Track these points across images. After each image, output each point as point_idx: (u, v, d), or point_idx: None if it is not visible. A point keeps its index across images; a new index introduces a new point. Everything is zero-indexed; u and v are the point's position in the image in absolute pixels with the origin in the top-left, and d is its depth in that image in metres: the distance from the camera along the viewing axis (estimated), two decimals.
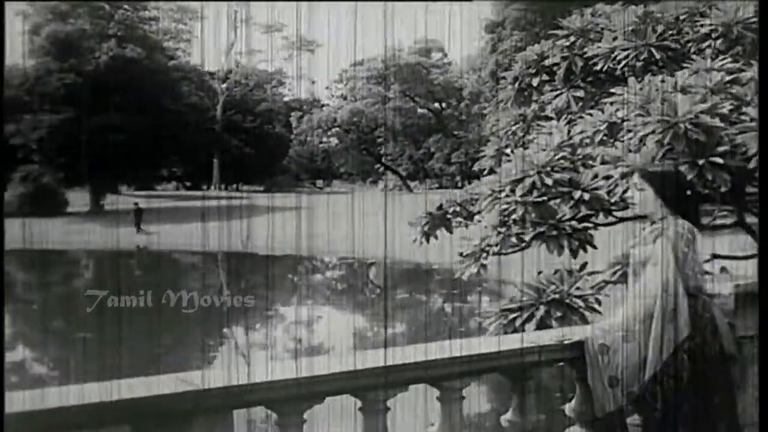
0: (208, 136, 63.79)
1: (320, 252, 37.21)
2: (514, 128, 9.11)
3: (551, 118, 8.26)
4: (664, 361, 4.28)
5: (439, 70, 67.21)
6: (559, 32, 8.95)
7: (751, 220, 7.07)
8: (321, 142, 71.80)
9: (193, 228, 39.03)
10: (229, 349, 17.26)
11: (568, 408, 4.78)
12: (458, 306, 21.51)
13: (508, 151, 8.33)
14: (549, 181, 6.47)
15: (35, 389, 3.27)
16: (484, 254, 7.20)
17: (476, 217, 8.32)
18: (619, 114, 6.85)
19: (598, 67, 8.33)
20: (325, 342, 17.12)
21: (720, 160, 5.97)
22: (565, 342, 4.60)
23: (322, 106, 72.67)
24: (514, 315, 6.87)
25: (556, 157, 6.67)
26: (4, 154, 46.39)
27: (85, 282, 31.18)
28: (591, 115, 7.17)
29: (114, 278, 29.00)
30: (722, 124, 6.14)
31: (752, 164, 5.76)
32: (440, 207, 8.96)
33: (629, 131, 6.53)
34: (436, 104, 68.34)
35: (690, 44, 8.07)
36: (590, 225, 6.76)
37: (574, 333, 4.69)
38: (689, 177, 5.85)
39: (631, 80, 6.99)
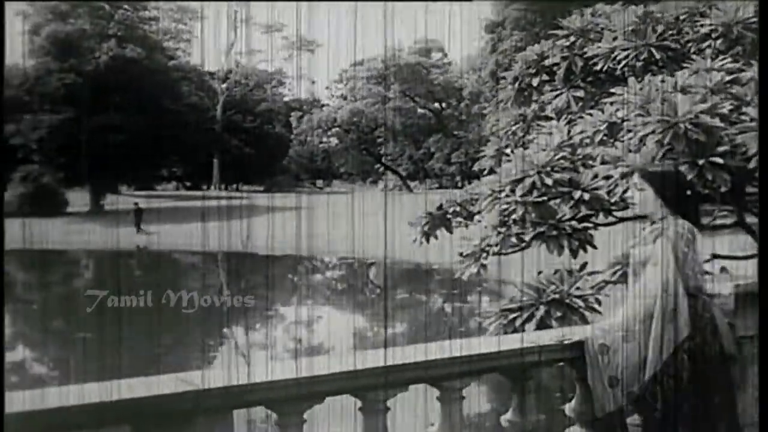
0: (208, 136, 63.80)
1: (320, 252, 37.22)
2: (514, 128, 9.11)
3: (551, 118, 8.26)
4: (664, 361, 4.28)
5: (439, 70, 67.22)
6: (559, 32, 8.95)
7: (751, 220, 7.07)
8: (321, 142, 71.83)
9: (193, 228, 39.05)
10: (229, 349, 17.26)
11: (568, 408, 4.78)
12: (458, 306, 21.51)
13: (508, 151, 8.33)
14: (549, 181, 6.47)
15: (36, 389, 3.27)
16: (484, 254, 7.20)
17: (476, 217, 8.33)
18: (619, 114, 6.85)
19: (598, 67, 8.33)
20: (325, 342, 17.12)
21: (720, 160, 5.97)
22: (565, 342, 4.60)
23: (322, 106, 72.70)
24: (514, 315, 6.87)
25: (556, 157, 6.67)
26: (5, 154, 46.44)
27: (85, 282, 31.19)
28: (591, 115, 7.17)
29: (114, 278, 29.00)
30: (722, 124, 6.14)
31: (752, 164, 5.76)
32: (440, 207, 8.96)
33: (629, 131, 6.53)
34: (436, 104, 68.35)
35: (690, 44, 8.07)
36: (590, 225, 6.76)
37: (574, 333, 4.69)
38: (689, 177, 5.85)
39: (631, 80, 6.99)
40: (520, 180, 6.61)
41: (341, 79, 72.18)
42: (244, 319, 19.17)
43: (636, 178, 4.68)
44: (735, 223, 7.49)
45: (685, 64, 7.26)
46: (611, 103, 7.07)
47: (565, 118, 7.87)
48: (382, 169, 73.48)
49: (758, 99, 5.48)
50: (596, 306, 6.79)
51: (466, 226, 8.72)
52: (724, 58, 7.17)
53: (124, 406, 3.32)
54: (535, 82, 9.08)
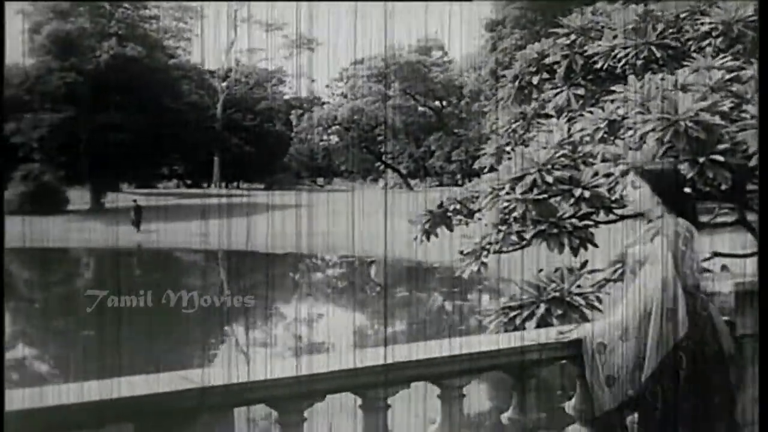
0: (208, 134, 63.84)
1: (321, 250, 37.23)
2: (514, 126, 9.11)
3: (551, 116, 8.26)
4: (662, 360, 4.28)
5: (440, 69, 67.19)
6: (560, 30, 8.95)
7: (752, 217, 7.08)
8: (321, 140, 71.86)
9: (193, 226, 39.08)
10: (230, 347, 17.27)
11: (569, 406, 4.79)
12: (458, 304, 21.51)
13: (508, 149, 8.34)
14: (549, 179, 6.48)
15: (36, 387, 3.27)
16: (485, 252, 7.20)
17: (477, 215, 8.33)
18: (620, 112, 6.85)
19: (598, 66, 8.33)
20: (325, 340, 17.13)
21: (721, 158, 5.98)
22: (563, 336, 4.60)
23: (323, 104, 72.70)
24: (514, 313, 6.87)
25: (557, 155, 6.67)
26: (5, 153, 46.46)
27: (86, 281, 31.19)
28: (591, 113, 7.17)
29: (114, 277, 29.01)
30: (723, 122, 6.14)
31: (753, 162, 5.77)
32: (441, 205, 8.96)
33: (630, 129, 6.53)
34: (437, 102, 68.33)
35: (690, 42, 8.07)
36: (591, 223, 6.76)
37: (575, 331, 4.68)
38: (690, 175, 5.86)
39: (632, 78, 6.99)
40: (521, 178, 6.62)
41: (341, 77, 72.19)
42: (244, 318, 19.18)
43: (632, 175, 4.67)
44: (736, 221, 7.50)
45: (685, 62, 7.27)
46: (612, 101, 7.07)
47: (566, 116, 7.88)
48: (382, 167, 73.48)
49: (758, 97, 5.48)
50: (597, 304, 6.79)
51: (467, 224, 8.73)
52: (725, 56, 7.18)
53: (126, 404, 3.32)
54: (535, 80, 9.08)
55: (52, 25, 54.03)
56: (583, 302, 6.77)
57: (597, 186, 6.41)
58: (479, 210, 7.81)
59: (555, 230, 6.55)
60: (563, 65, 8.69)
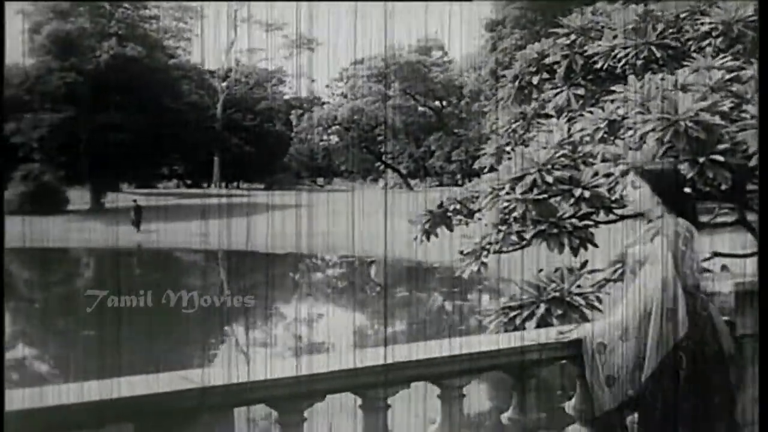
0: (208, 134, 63.85)
1: (321, 250, 37.22)
2: (514, 126, 9.11)
3: (551, 116, 8.26)
4: (662, 360, 4.28)
5: (440, 69, 67.18)
6: (560, 30, 8.95)
7: (752, 217, 7.08)
8: (321, 140, 71.85)
9: (193, 226, 39.08)
10: (230, 347, 17.27)
11: (569, 406, 4.79)
12: (459, 304, 21.51)
13: (508, 149, 8.34)
14: (549, 179, 6.48)
15: (37, 387, 3.27)
16: (485, 252, 7.20)
17: (477, 215, 8.33)
18: (620, 112, 6.86)
19: (598, 66, 8.34)
20: (326, 340, 17.13)
21: (721, 158, 5.98)
22: (563, 336, 4.60)
23: (323, 104, 72.70)
24: (514, 313, 6.87)
25: (557, 155, 6.67)
26: (5, 153, 46.47)
27: (86, 280, 31.19)
28: (591, 112, 7.17)
29: (114, 277, 29.01)
30: (723, 122, 6.14)
31: (753, 162, 5.77)
32: (441, 205, 8.96)
33: (630, 129, 6.53)
34: (437, 102, 68.31)
35: (690, 42, 8.07)
36: (591, 223, 6.76)
37: (575, 331, 4.68)
38: (690, 175, 5.86)
39: (632, 78, 6.99)
40: (521, 178, 6.62)
41: (341, 77, 72.19)
42: (244, 318, 19.18)
43: (632, 175, 4.67)
44: (736, 221, 7.50)
45: (685, 62, 7.27)
46: (612, 101, 7.07)
47: (566, 116, 7.88)
48: (382, 167, 73.47)
49: (758, 97, 5.49)
50: (597, 304, 6.79)
51: (467, 224, 8.73)
52: (725, 56, 7.18)
53: (126, 404, 3.32)
54: (535, 80, 9.09)
55: (52, 25, 54.04)
56: (583, 302, 6.77)
57: (597, 186, 6.41)
58: (479, 210, 7.81)
59: (555, 230, 6.55)
60: (563, 65, 8.69)
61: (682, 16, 8.31)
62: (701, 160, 5.96)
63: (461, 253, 7.44)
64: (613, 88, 7.28)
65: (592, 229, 6.78)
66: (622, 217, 6.74)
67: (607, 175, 6.36)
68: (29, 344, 18.77)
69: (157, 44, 62.21)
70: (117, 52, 54.11)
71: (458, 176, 62.98)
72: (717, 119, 6.09)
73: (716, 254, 7.24)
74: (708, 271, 6.33)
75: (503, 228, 6.93)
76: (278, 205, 42.68)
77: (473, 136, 54.85)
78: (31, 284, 29.61)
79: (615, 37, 8.28)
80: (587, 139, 6.90)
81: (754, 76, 6.47)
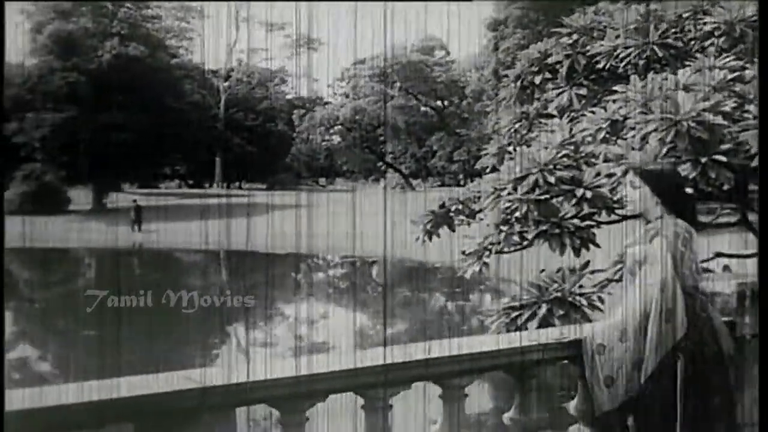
0: (210, 134, 63.91)
1: (322, 250, 37.22)
2: (516, 126, 9.11)
3: (554, 116, 8.26)
4: (661, 361, 4.27)
5: (442, 68, 67.11)
6: (562, 30, 8.95)
7: (754, 218, 7.06)
8: (323, 140, 71.80)
9: (195, 226, 39.07)
10: (231, 347, 17.27)
11: (571, 406, 4.78)
12: (460, 304, 21.51)
13: (510, 149, 8.34)
14: (551, 179, 6.47)
15: (38, 387, 3.26)
16: (487, 252, 7.21)
17: (479, 216, 8.33)
18: (622, 112, 6.85)
19: (600, 65, 8.34)
20: (327, 340, 17.13)
21: (723, 158, 5.97)
22: (564, 340, 4.59)
23: (325, 104, 72.66)
24: (516, 313, 6.87)
25: (559, 155, 6.67)
26: (7, 153, 46.52)
27: (87, 280, 31.21)
28: (593, 112, 7.17)
29: (115, 277, 29.02)
30: (725, 122, 6.14)
31: (755, 162, 5.75)
32: (443, 205, 8.97)
33: (632, 129, 6.53)
34: (439, 102, 68.25)
35: (693, 42, 8.07)
36: (593, 223, 6.76)
37: (574, 332, 4.68)
38: (692, 175, 5.86)
39: (634, 78, 6.99)
40: (523, 178, 6.61)
41: (343, 77, 72.17)
42: (246, 318, 19.18)
43: (631, 176, 4.65)
44: (738, 221, 7.50)
45: (687, 62, 7.27)
46: (614, 101, 7.07)
47: (568, 116, 7.88)
48: (384, 167, 73.43)
49: (759, 97, 5.47)
50: (599, 304, 6.79)
51: (469, 224, 8.73)
52: (727, 56, 7.17)
53: (127, 404, 3.32)
54: (537, 80, 9.09)
55: (54, 25, 54.06)
56: (585, 302, 6.77)
57: (599, 186, 6.41)
58: (481, 210, 7.81)
59: (557, 230, 6.55)
60: (565, 65, 8.69)
61: (684, 15, 8.31)
62: (703, 160, 5.96)
63: (463, 253, 7.44)
64: (615, 88, 7.28)
65: (594, 230, 6.78)
66: (624, 218, 6.73)
67: (609, 176, 6.35)
68: (31, 344, 18.78)
69: (160, 44, 62.19)
70: (119, 51, 54.12)
71: (460, 176, 62.94)
72: (719, 119, 6.09)
73: (718, 254, 7.24)
74: (709, 271, 6.33)
75: (505, 228, 6.93)
76: (280, 205, 42.63)
77: (475, 136, 54.83)
78: (33, 284, 29.61)
79: (617, 36, 8.28)
80: (589, 139, 6.90)
81: (757, 75, 6.46)
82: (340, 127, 66.60)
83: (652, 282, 4.30)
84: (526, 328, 6.55)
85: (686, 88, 6.51)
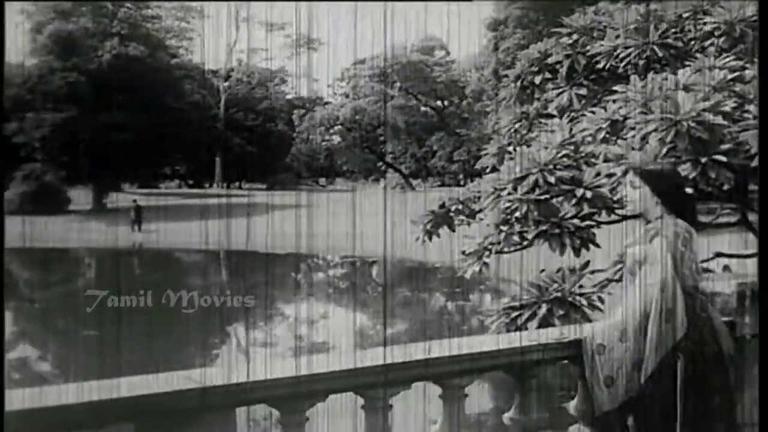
0: (210, 134, 63.92)
1: (322, 250, 37.21)
2: (516, 126, 9.11)
3: (554, 116, 8.26)
4: (661, 361, 4.27)
5: (442, 68, 67.10)
6: (562, 30, 8.95)
7: (754, 218, 7.06)
8: (323, 140, 71.79)
9: (195, 226, 39.07)
10: (232, 347, 17.27)
11: (571, 406, 4.78)
12: (460, 304, 21.51)
13: (510, 149, 8.34)
14: (551, 179, 6.47)
15: (37, 387, 3.26)
16: (487, 252, 7.20)
17: (478, 216, 8.33)
18: (622, 112, 6.85)
19: (600, 65, 8.34)
20: (327, 340, 17.13)
21: (723, 158, 5.97)
22: (564, 340, 4.59)
23: (325, 104, 72.65)
24: (516, 313, 6.87)
25: (559, 155, 6.67)
26: (7, 153, 46.52)
27: (87, 280, 31.20)
28: (593, 112, 7.17)
29: (116, 277, 29.02)
30: (725, 122, 6.14)
31: (755, 162, 5.75)
32: (443, 205, 8.97)
33: (632, 129, 6.53)
34: (439, 102, 68.23)
35: (693, 42, 8.07)
36: (593, 223, 6.76)
37: (573, 332, 4.68)
38: (692, 175, 5.86)
39: (634, 78, 6.99)
40: (523, 178, 6.61)
41: (343, 77, 72.16)
42: (247, 318, 19.18)
43: (631, 176, 4.65)
44: (738, 221, 7.50)
45: (687, 62, 7.27)
46: (614, 101, 7.07)
47: (568, 116, 7.88)
48: (384, 167, 73.41)
49: (758, 97, 5.47)
50: (599, 304, 6.79)
51: (469, 224, 8.73)
52: (727, 56, 7.17)
53: (128, 404, 3.32)
54: (537, 80, 9.09)
55: (54, 25, 54.06)
56: (585, 302, 6.77)
57: (599, 186, 6.41)
58: (481, 210, 7.81)
59: (557, 230, 6.55)
60: (565, 65, 8.69)
61: (684, 15, 8.30)
62: (703, 160, 5.96)
63: (463, 253, 7.44)
64: (615, 88, 7.28)
65: (594, 230, 6.78)
66: (624, 218, 6.73)
67: (609, 176, 6.35)
68: (31, 344, 18.78)
69: (160, 44, 62.19)
70: (119, 51, 54.11)
71: (460, 176, 62.92)
72: (719, 119, 6.09)
73: (719, 254, 7.24)
74: (710, 271, 6.33)
75: (505, 228, 6.93)
76: (279, 205, 42.65)
77: (475, 136, 54.82)
78: (33, 284, 29.61)
79: (617, 37, 8.28)
80: (589, 139, 6.90)
81: (756, 75, 6.46)
82: (340, 127, 66.59)
83: (652, 282, 4.30)
84: (526, 328, 6.55)
85: (686, 88, 6.51)
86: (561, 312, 6.70)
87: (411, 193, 50.84)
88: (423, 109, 68.52)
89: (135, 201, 47.47)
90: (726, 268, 6.42)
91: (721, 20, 7.87)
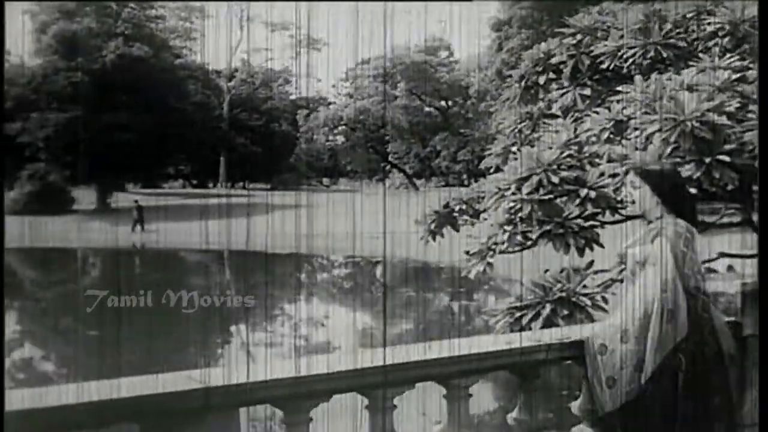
0: (214, 134, 63.97)
1: (326, 250, 37.21)
2: (520, 126, 9.10)
3: (558, 116, 8.26)
4: (662, 362, 4.27)
5: (446, 69, 67.12)
6: (566, 30, 8.94)
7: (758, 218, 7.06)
8: (327, 140, 71.79)
9: (199, 226, 39.10)
10: (236, 347, 17.28)
11: (575, 406, 4.78)
12: (465, 304, 21.51)
13: (514, 149, 8.33)
14: (555, 179, 6.46)
15: (38, 387, 3.27)
16: (491, 252, 7.19)
17: (482, 215, 8.32)
18: (626, 112, 6.84)
19: (604, 66, 8.33)
20: (331, 340, 17.14)
21: (727, 158, 5.97)
22: (567, 340, 4.60)
23: (329, 104, 72.67)
24: (520, 313, 6.87)
25: (563, 155, 6.66)
26: (11, 153, 46.60)
27: (91, 280, 31.23)
28: (597, 113, 7.16)
29: (119, 276, 29.05)
30: (729, 122, 6.14)
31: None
32: (447, 205, 8.96)
33: (636, 129, 6.52)
34: (443, 102, 68.25)
35: (697, 42, 8.06)
36: (597, 223, 6.75)
37: (576, 332, 4.68)
38: (696, 175, 5.86)
39: (638, 78, 6.98)
40: (527, 178, 6.60)
41: (347, 77, 72.18)
42: (250, 318, 19.18)
43: (632, 176, 4.66)
44: (742, 221, 7.49)
45: (691, 62, 7.26)
46: (618, 101, 7.06)
47: (572, 116, 7.88)
48: (388, 167, 73.42)
49: (758, 97, 5.47)
50: (603, 304, 6.79)
51: (473, 224, 8.72)
52: (731, 56, 7.17)
53: (132, 404, 3.32)
54: (541, 80, 9.07)
55: (59, 25, 54.11)
56: (589, 302, 6.77)
57: (603, 186, 6.40)
58: (485, 210, 7.79)
59: (561, 230, 6.54)
60: (569, 65, 8.68)
61: (688, 15, 8.29)
62: (707, 160, 5.96)
63: (467, 253, 7.43)
64: (619, 88, 7.27)
65: (598, 230, 6.78)
66: (628, 218, 6.73)
67: (613, 176, 6.35)
68: (33, 343, 18.81)
69: (164, 44, 62.23)
70: (123, 52, 54.13)
71: (464, 176, 62.90)
72: (723, 119, 6.09)
73: (722, 254, 7.23)
74: (714, 271, 6.33)
75: (509, 228, 6.92)
76: (282, 206, 42.66)
77: (479, 136, 54.82)
78: (37, 284, 29.66)
79: (621, 37, 8.27)
80: (593, 139, 6.89)
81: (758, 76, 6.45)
82: (343, 127, 66.60)
83: (653, 283, 4.30)
84: (530, 328, 6.55)
85: (690, 89, 6.50)
86: (565, 312, 6.70)
87: (415, 193, 50.84)
88: (427, 109, 68.54)
89: (136, 201, 47.50)
90: (730, 268, 6.41)
91: (725, 20, 7.87)
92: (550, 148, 6.80)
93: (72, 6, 55.78)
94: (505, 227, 6.96)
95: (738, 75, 6.71)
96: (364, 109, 63.78)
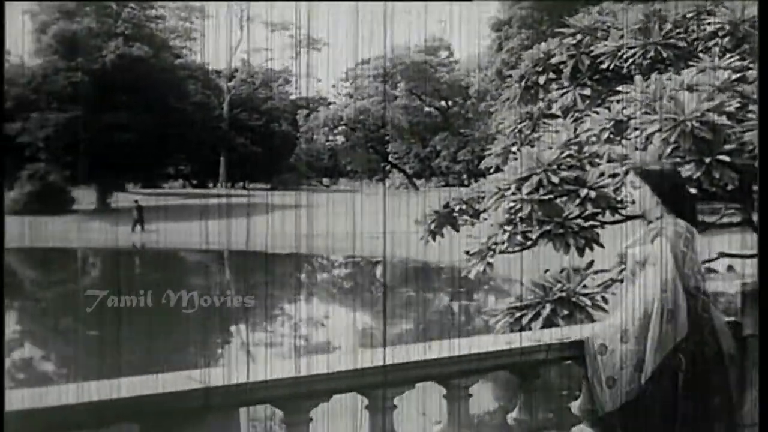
0: (214, 134, 63.97)
1: (326, 250, 37.21)
2: (520, 126, 9.10)
3: (558, 116, 8.26)
4: (662, 362, 4.27)
5: (446, 69, 67.12)
6: (566, 30, 8.94)
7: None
8: (327, 140, 71.77)
9: (199, 226, 39.10)
10: (236, 347, 17.28)
11: (575, 406, 4.78)
12: (465, 304, 21.51)
13: (514, 149, 8.33)
14: (555, 179, 6.46)
15: (38, 387, 3.27)
16: (491, 252, 7.19)
17: (482, 215, 8.32)
18: (626, 112, 6.84)
19: (604, 66, 8.33)
20: (332, 340, 17.14)
21: (727, 158, 5.97)
22: (566, 340, 4.60)
23: (329, 104, 72.66)
24: (520, 313, 6.87)
25: (563, 155, 6.66)
26: (11, 153, 46.62)
27: (91, 280, 31.24)
28: (597, 113, 7.16)
29: (119, 276, 29.05)
30: (729, 122, 6.14)
31: None
32: (447, 205, 8.95)
33: (636, 129, 6.52)
34: (443, 102, 68.25)
35: (697, 42, 8.06)
36: (597, 223, 6.75)
37: (576, 332, 4.68)
38: (696, 175, 5.86)
39: (638, 78, 6.98)
40: (527, 178, 6.60)
41: (347, 77, 72.18)
42: (251, 318, 19.18)
43: (632, 176, 4.66)
44: (742, 222, 7.49)
45: (691, 62, 7.26)
46: (618, 101, 7.06)
47: (572, 116, 7.88)
48: (388, 167, 73.42)
49: (758, 97, 5.47)
50: (603, 304, 6.78)
51: (473, 224, 8.72)
52: (731, 56, 7.17)
53: (131, 404, 3.32)
54: (541, 80, 9.07)
55: (59, 25, 54.11)
56: (589, 302, 6.77)
57: (603, 186, 6.40)
58: (485, 210, 7.79)
59: (561, 230, 6.54)
60: (569, 65, 8.68)
61: (688, 15, 8.29)
62: (707, 160, 5.96)
63: (467, 253, 7.43)
64: (619, 88, 7.27)
65: (598, 230, 6.78)
66: (628, 218, 6.73)
67: (613, 176, 6.35)
68: (36, 344, 18.81)
69: (164, 44, 62.21)
70: (123, 52, 54.12)
71: (464, 176, 62.90)
72: (723, 119, 6.09)
73: (722, 254, 7.23)
74: (714, 271, 6.33)
75: (509, 228, 6.92)
76: (282, 206, 42.66)
77: (479, 136, 54.82)
78: (37, 284, 29.66)
79: (621, 37, 8.27)
80: (593, 139, 6.89)
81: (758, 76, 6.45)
82: (343, 127, 66.60)
83: (653, 283, 4.30)
84: (530, 328, 6.55)
85: (690, 89, 6.50)
86: (565, 312, 6.70)
87: (415, 193, 50.84)
88: (427, 109, 68.54)
89: (136, 201, 47.50)
90: (730, 268, 6.41)
91: (725, 20, 7.87)
92: (550, 148, 6.80)
93: (72, 6, 55.77)
94: (505, 227, 6.95)
95: (738, 75, 6.71)
96: (364, 109, 63.77)
